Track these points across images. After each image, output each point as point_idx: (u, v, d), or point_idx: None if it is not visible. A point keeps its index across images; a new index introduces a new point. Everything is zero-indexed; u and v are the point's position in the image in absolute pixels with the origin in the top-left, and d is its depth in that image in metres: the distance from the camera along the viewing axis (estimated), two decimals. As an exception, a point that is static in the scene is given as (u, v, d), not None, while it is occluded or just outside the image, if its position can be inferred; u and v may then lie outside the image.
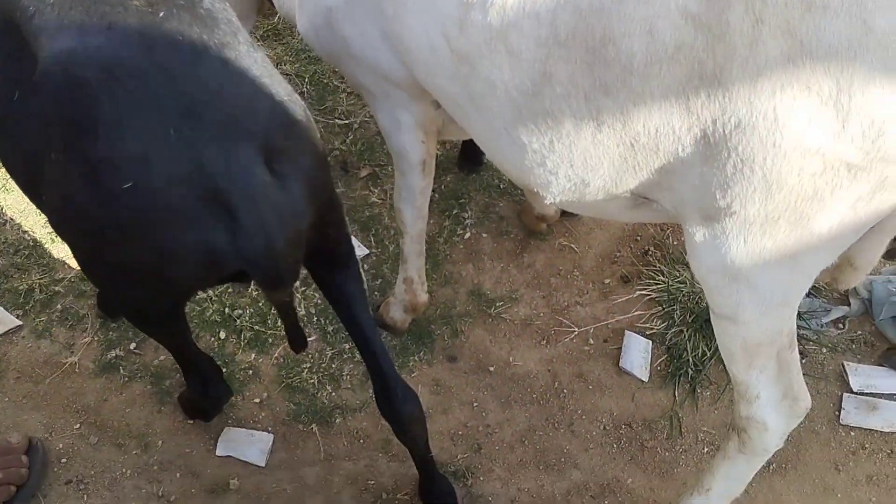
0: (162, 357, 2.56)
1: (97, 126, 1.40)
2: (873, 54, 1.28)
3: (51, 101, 1.46)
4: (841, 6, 1.27)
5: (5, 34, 1.62)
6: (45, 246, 2.88)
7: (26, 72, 1.54)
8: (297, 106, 1.54)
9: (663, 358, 2.55)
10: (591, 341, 2.61)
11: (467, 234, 2.87)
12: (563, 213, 2.83)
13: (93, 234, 1.51)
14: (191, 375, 2.22)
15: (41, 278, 2.78)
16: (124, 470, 2.37)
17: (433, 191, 2.95)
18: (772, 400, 1.76)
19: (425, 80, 1.81)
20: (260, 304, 2.68)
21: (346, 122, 3.14)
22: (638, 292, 2.66)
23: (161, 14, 1.48)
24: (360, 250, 2.82)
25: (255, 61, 1.50)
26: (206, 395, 2.26)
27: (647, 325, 2.61)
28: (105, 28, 1.46)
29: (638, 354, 2.55)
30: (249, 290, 2.71)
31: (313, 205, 1.53)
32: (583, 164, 1.59)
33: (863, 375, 2.44)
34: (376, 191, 2.96)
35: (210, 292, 2.69)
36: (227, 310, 2.67)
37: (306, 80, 3.23)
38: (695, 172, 1.49)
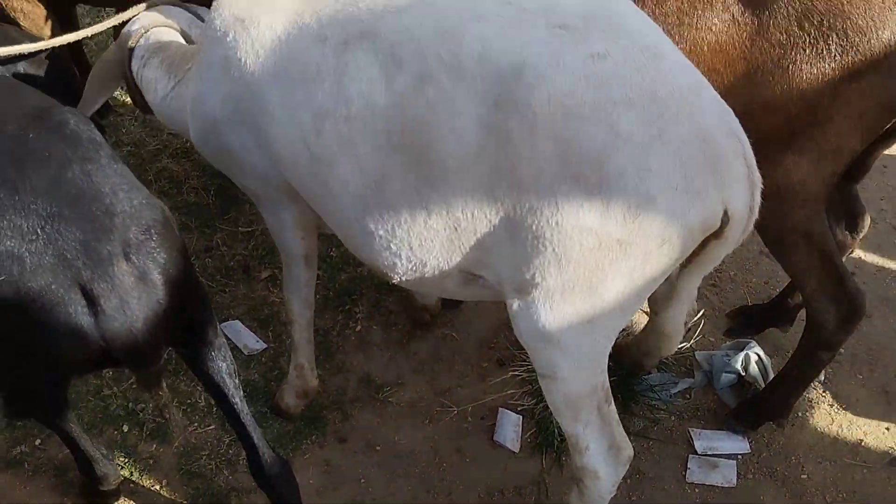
0: (66, 451, 2.71)
1: None
2: (620, 152, 1.64)
3: None
4: (592, 115, 1.64)
5: None
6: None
7: None
8: (155, 208, 1.83)
9: (532, 431, 2.81)
10: (470, 419, 2.87)
11: (358, 327, 3.14)
12: (445, 305, 3.13)
13: None
14: (78, 456, 2.39)
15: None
16: (26, 559, 2.49)
17: (328, 289, 3.25)
18: (600, 450, 2.04)
19: (292, 180, 2.13)
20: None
21: (249, 229, 3.43)
22: (511, 373, 2.94)
23: (31, 136, 1.79)
24: (259, 345, 3.05)
25: (115, 171, 1.80)
26: (93, 475, 2.42)
27: (519, 402, 2.88)
28: None
29: (510, 429, 2.80)
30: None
31: (172, 292, 1.79)
32: (419, 246, 1.91)
33: (706, 439, 2.74)
34: (275, 291, 3.23)
35: (114, 388, 2.88)
36: (130, 404, 2.85)
37: (212, 192, 3.53)
38: (505, 250, 1.81)
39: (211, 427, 2.82)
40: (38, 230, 1.65)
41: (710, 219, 1.75)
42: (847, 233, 2.66)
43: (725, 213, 1.76)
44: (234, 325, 3.09)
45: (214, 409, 2.85)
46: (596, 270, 1.75)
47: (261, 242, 3.40)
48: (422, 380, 2.98)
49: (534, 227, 1.73)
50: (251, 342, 3.06)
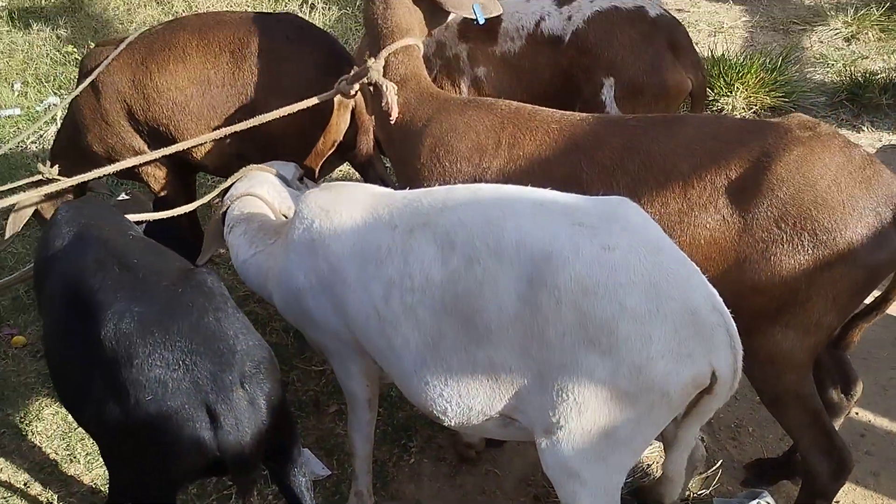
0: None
1: (133, 360, 2.20)
2: (626, 322, 2.10)
3: (104, 347, 2.26)
4: (604, 293, 2.11)
5: (71, 304, 2.46)
6: (63, 466, 3.54)
7: (82, 330, 2.36)
8: (264, 349, 2.35)
9: (563, 562, 3.12)
10: (506, 549, 3.21)
11: (412, 460, 3.54)
12: (489, 444, 3.53)
13: (121, 433, 2.24)
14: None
15: (59, 491, 3.42)
16: None
17: (388, 425, 3.69)
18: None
19: (362, 338, 2.62)
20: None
21: (321, 368, 3.93)
22: (545, 509, 3.30)
23: (180, 290, 2.35)
24: (324, 471, 3.47)
25: (238, 319, 2.34)
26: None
27: (552, 536, 3.21)
28: (145, 299, 2.32)
29: (543, 560, 3.13)
30: None
31: (272, 415, 2.28)
32: (467, 394, 2.36)
33: (721, 580, 3.02)
34: (341, 424, 3.68)
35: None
36: (211, 519, 3.28)
37: (291, 334, 4.06)
38: (536, 398, 2.25)
39: (278, 543, 3.21)
40: (181, 362, 2.18)
41: (699, 377, 2.17)
42: (842, 396, 3.02)
43: (713, 373, 2.18)
44: (304, 453, 3.52)
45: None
46: (609, 416, 2.17)
47: (330, 380, 3.88)
48: (466, 511, 3.35)
49: (559, 380, 2.18)
50: (318, 468, 3.48)
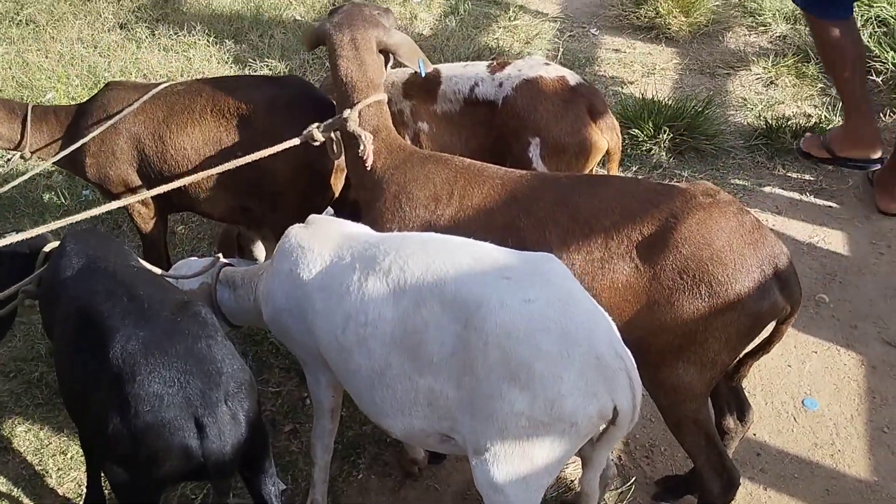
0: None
1: (136, 377, 2.56)
2: (541, 362, 2.48)
3: (111, 365, 2.60)
4: (524, 337, 2.49)
5: (83, 326, 2.79)
6: (37, 480, 3.80)
7: (92, 349, 2.71)
8: (246, 372, 2.73)
9: (494, 567, 3.49)
10: (445, 556, 3.57)
11: (360, 476, 3.89)
12: (431, 461, 3.89)
13: (121, 438, 2.58)
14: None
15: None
16: None
17: (338, 442, 4.02)
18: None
19: (326, 357, 3.01)
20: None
21: (277, 390, 4.25)
22: (480, 520, 3.66)
23: (178, 319, 2.73)
24: (281, 485, 3.79)
25: (226, 346, 2.71)
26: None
27: (485, 545, 3.58)
28: (148, 325, 2.69)
29: (477, 565, 3.50)
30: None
31: (249, 429, 2.65)
32: (409, 414, 2.74)
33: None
34: (295, 442, 4.00)
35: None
36: (174, 528, 3.57)
37: (250, 356, 4.38)
38: (467, 422, 2.63)
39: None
40: (175, 380, 2.55)
41: (603, 411, 2.58)
42: (738, 422, 3.47)
43: (615, 408, 2.58)
44: (264, 468, 3.84)
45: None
46: (527, 442, 2.56)
47: (286, 401, 4.20)
48: (408, 522, 3.70)
49: (485, 409, 2.56)
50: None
